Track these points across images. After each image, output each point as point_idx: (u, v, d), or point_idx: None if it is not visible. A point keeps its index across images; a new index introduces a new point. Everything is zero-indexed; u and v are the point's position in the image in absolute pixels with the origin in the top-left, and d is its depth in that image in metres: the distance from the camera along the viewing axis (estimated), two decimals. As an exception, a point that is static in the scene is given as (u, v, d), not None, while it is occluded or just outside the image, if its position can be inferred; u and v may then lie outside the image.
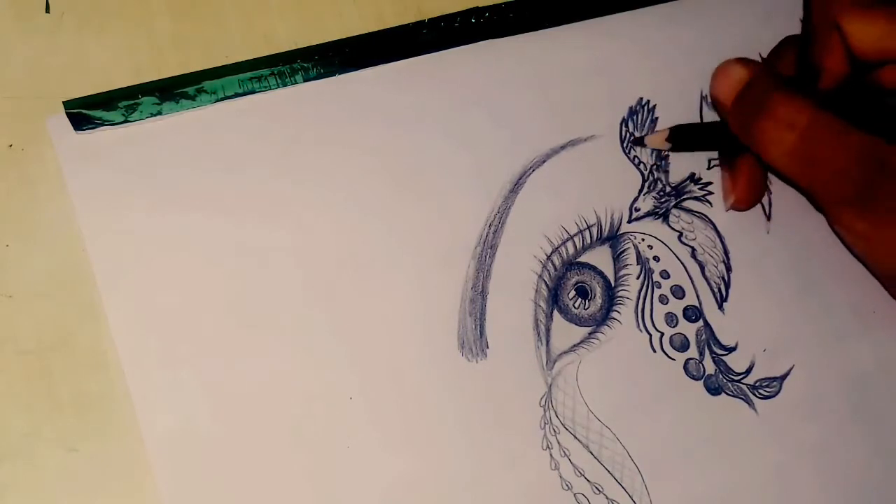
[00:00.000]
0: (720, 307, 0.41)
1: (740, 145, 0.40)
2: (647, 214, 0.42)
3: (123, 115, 0.38)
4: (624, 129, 0.42)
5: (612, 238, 0.41)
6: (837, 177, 0.37)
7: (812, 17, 0.39)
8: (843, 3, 0.37)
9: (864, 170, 0.36)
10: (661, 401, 0.40)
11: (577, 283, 0.41)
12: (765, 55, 0.44)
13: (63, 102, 0.38)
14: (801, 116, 0.37)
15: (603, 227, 0.41)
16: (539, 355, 0.40)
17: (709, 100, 0.43)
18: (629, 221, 0.42)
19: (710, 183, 0.42)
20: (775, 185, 0.43)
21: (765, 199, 0.43)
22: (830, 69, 0.38)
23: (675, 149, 0.42)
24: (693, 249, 0.42)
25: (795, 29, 0.44)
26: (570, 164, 0.41)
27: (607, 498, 0.39)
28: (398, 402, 0.38)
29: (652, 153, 0.42)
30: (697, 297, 0.41)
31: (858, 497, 0.41)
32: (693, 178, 0.42)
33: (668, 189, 0.42)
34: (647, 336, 0.41)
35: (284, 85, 0.40)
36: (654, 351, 0.41)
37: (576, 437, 0.39)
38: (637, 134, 0.42)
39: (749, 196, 0.42)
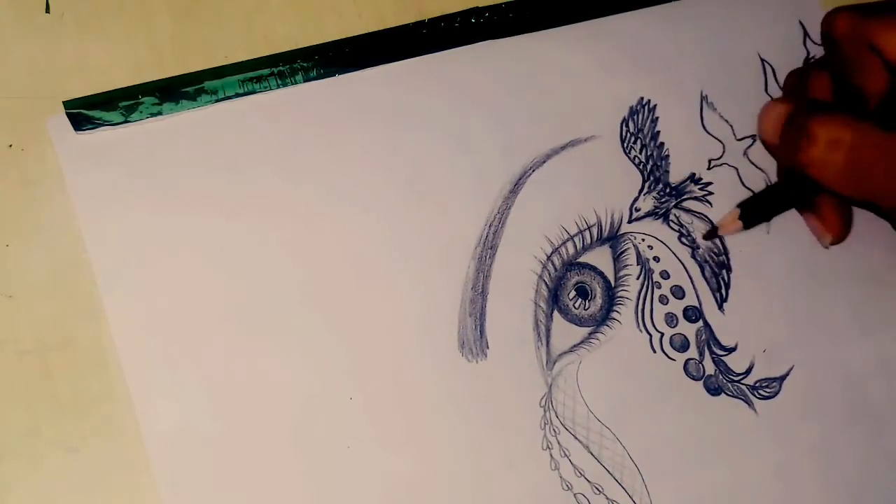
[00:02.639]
0: (720, 307, 0.41)
1: (811, 192, 0.40)
2: (648, 214, 0.42)
3: (123, 115, 0.38)
4: (624, 128, 0.42)
5: (613, 238, 0.41)
6: (893, 182, 0.37)
7: (841, 46, 0.39)
8: (874, 23, 0.37)
9: None
10: (661, 401, 0.40)
11: (577, 283, 0.41)
12: (764, 55, 0.44)
13: (63, 102, 0.38)
14: (843, 133, 0.37)
15: (603, 227, 0.41)
16: (539, 355, 0.40)
17: (708, 100, 0.43)
18: (629, 221, 0.42)
19: (710, 183, 0.42)
20: (775, 185, 0.43)
21: (765, 200, 0.43)
22: (874, 91, 0.38)
23: (748, 226, 0.41)
24: (693, 249, 0.42)
25: (795, 29, 0.44)
26: (570, 164, 0.41)
27: (607, 498, 0.39)
28: (398, 402, 0.38)
29: (651, 152, 0.42)
30: (697, 297, 0.41)
31: (858, 497, 0.41)
32: (693, 178, 0.42)
33: (668, 189, 0.42)
34: (648, 336, 0.41)
35: (284, 85, 0.40)
36: (654, 351, 0.41)
37: (576, 438, 0.39)
38: (635, 131, 0.42)
39: (844, 228, 0.41)
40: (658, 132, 0.42)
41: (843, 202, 0.41)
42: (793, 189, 0.41)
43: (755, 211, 0.41)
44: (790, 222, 0.43)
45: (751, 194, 0.42)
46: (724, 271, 0.42)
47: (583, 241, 0.41)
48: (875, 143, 0.36)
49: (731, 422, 0.41)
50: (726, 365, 0.41)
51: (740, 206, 0.41)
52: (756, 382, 0.41)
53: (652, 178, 0.42)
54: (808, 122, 0.38)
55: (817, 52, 0.44)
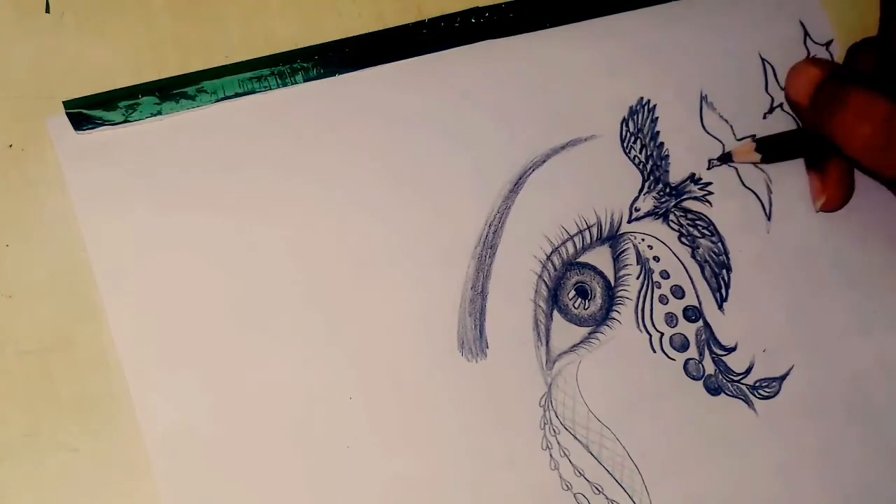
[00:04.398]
0: (720, 307, 0.41)
1: (826, 149, 0.40)
2: (647, 214, 0.42)
3: (123, 115, 0.38)
4: (624, 128, 0.42)
5: (612, 238, 0.41)
6: None
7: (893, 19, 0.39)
8: None
9: None
10: (661, 401, 0.40)
11: (577, 283, 0.41)
12: (765, 55, 0.44)
13: (63, 102, 0.38)
14: (877, 109, 0.37)
15: (603, 227, 0.41)
16: (539, 355, 0.40)
17: (708, 99, 0.43)
18: (629, 221, 0.42)
19: (709, 183, 0.42)
20: (776, 184, 0.43)
21: (765, 199, 0.43)
22: None
23: (765, 160, 0.41)
24: (693, 249, 0.42)
25: (795, 28, 0.44)
26: (570, 164, 0.41)
27: (607, 498, 0.39)
28: (398, 402, 0.38)
29: (651, 152, 0.42)
30: (697, 297, 0.41)
31: (858, 497, 0.41)
32: (693, 178, 0.42)
33: (668, 189, 0.42)
34: (647, 336, 0.41)
35: (284, 85, 0.40)
36: (654, 351, 0.41)
37: (575, 438, 0.39)
38: (635, 131, 0.42)
39: (840, 196, 0.42)
40: (658, 132, 0.42)
41: (850, 173, 0.41)
42: (809, 140, 0.41)
43: (771, 147, 0.41)
44: (790, 222, 0.43)
45: (751, 192, 0.43)
46: (724, 271, 0.42)
47: (583, 240, 0.41)
48: None
49: (731, 422, 0.41)
50: (726, 365, 0.41)
51: (758, 140, 0.41)
52: (756, 382, 0.41)
53: (652, 178, 0.42)
54: (846, 90, 0.38)
55: (817, 51, 0.44)
